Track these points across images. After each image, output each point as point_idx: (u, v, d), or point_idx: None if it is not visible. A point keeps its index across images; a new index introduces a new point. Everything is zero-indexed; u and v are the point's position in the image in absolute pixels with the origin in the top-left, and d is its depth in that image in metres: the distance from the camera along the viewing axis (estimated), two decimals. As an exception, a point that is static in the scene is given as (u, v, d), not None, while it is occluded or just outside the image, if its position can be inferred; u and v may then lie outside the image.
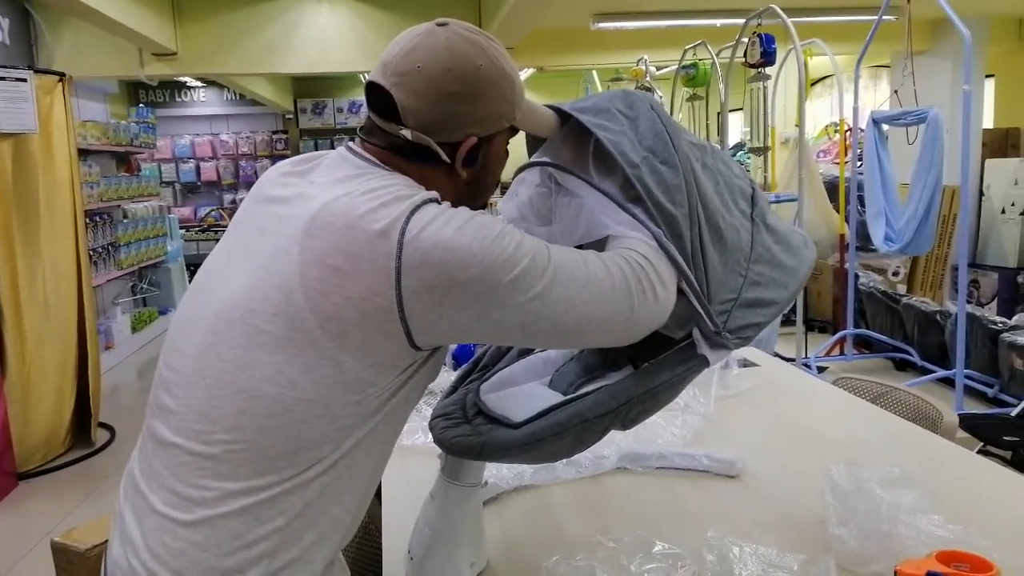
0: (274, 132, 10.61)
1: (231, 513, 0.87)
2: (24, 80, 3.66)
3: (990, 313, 4.37)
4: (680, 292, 1.02)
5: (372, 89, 0.95)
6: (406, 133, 0.93)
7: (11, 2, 5.10)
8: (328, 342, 0.85)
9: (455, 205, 0.91)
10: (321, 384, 0.86)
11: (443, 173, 0.97)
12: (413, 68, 0.92)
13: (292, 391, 0.86)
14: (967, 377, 4.04)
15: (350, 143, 0.99)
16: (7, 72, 3.62)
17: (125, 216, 6.07)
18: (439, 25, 0.95)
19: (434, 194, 0.90)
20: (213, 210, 10.32)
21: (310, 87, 10.38)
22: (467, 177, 0.98)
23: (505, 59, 0.97)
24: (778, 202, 4.93)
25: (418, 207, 0.86)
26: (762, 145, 5.16)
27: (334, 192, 0.89)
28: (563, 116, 1.09)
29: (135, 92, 9.64)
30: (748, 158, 6.97)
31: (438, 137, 0.94)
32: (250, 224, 0.97)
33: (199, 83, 9.88)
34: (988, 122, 7.18)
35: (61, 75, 4.06)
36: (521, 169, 1.16)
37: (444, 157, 0.94)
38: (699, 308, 1.02)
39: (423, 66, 0.92)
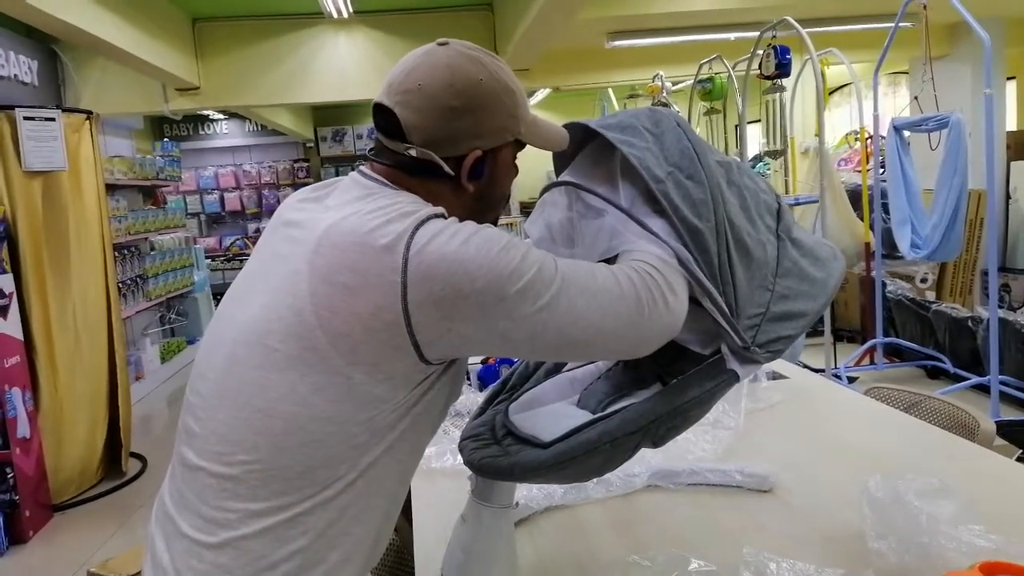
0: (296, 161, 10.76)
1: (253, 534, 0.88)
2: (53, 119, 3.75)
3: (1023, 317, 4.29)
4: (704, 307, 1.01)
5: (378, 110, 0.97)
6: (411, 150, 0.95)
7: (39, 44, 5.24)
8: (339, 359, 0.86)
9: (465, 220, 0.92)
10: (333, 402, 0.87)
11: (450, 188, 0.98)
12: (415, 86, 0.94)
13: (306, 410, 0.87)
14: (1002, 383, 3.96)
15: (361, 167, 1.01)
16: (36, 112, 3.71)
17: (152, 248, 6.17)
18: (440, 44, 0.98)
19: (440, 209, 0.91)
20: (238, 239, 10.46)
21: (330, 115, 10.54)
22: (474, 191, 0.99)
23: (506, 73, 0.98)
24: (798, 204, 4.89)
25: (423, 222, 0.87)
26: (779, 148, 5.11)
27: (343, 212, 0.91)
28: (589, 133, 1.10)
29: (159, 127, 9.84)
30: (767, 168, 6.94)
31: (442, 152, 0.95)
32: (268, 249, 1.00)
33: (221, 116, 10.07)
34: (1011, 124, 7.09)
35: (88, 113, 4.15)
36: (546, 189, 1.17)
37: (448, 171, 0.95)
38: (725, 325, 1.02)
39: (424, 84, 0.94)
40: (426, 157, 0.95)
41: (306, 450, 0.88)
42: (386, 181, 0.97)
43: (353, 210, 0.91)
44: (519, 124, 1.00)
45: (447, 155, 0.95)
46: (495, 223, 1.04)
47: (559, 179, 1.15)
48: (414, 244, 0.85)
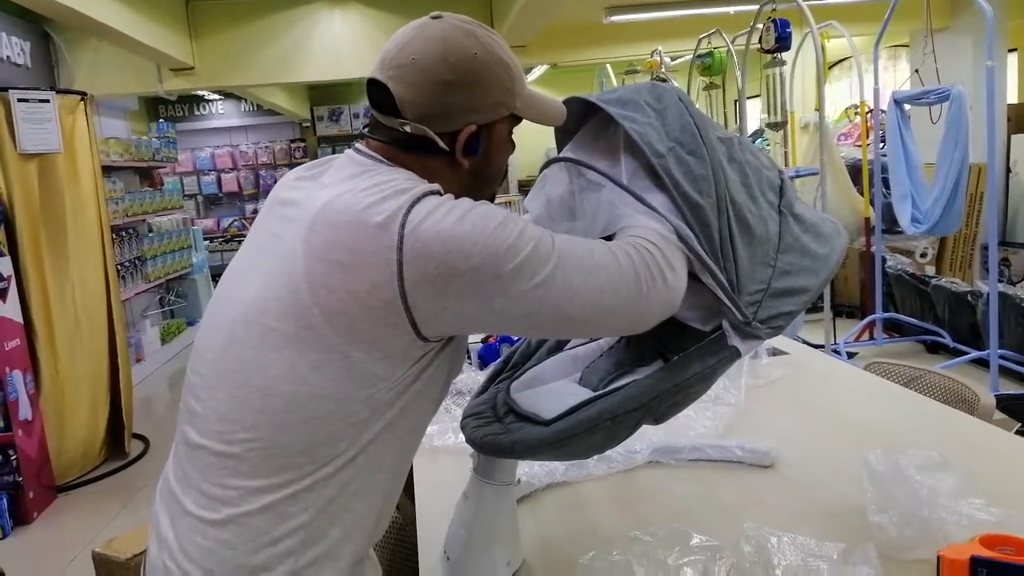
0: (292, 141, 10.70)
1: (255, 511, 0.89)
2: (47, 101, 3.72)
3: (1023, 291, 4.29)
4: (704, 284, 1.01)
5: (372, 85, 0.96)
6: (406, 126, 0.94)
7: (31, 26, 5.18)
8: (336, 337, 0.86)
9: (460, 197, 0.91)
10: (332, 379, 0.87)
11: (445, 164, 0.97)
12: (408, 60, 0.93)
13: (305, 387, 0.87)
14: (1001, 357, 3.97)
15: (357, 144, 1.00)
16: (30, 94, 3.68)
17: (150, 230, 6.15)
18: (434, 18, 0.97)
19: (435, 186, 0.91)
20: (235, 220, 10.44)
21: (326, 94, 10.46)
22: (469, 167, 0.98)
23: (501, 47, 0.97)
24: (798, 176, 4.85)
25: (418, 199, 0.86)
26: (780, 119, 5.06)
27: (338, 190, 0.90)
28: (590, 108, 1.09)
29: (155, 108, 9.77)
30: (767, 143, 6.91)
31: (437, 127, 0.94)
32: (264, 229, 0.99)
33: (217, 96, 9.99)
34: (1012, 97, 7.04)
35: (82, 94, 4.12)
36: (546, 165, 1.16)
37: (442, 145, 0.95)
38: (726, 300, 1.02)
39: (418, 58, 0.93)
40: (420, 133, 0.94)
41: (306, 427, 0.88)
42: (381, 158, 0.96)
43: (348, 187, 0.90)
44: (514, 98, 0.99)
45: (442, 130, 0.94)
46: (492, 200, 1.03)
47: (559, 155, 1.14)
48: (409, 222, 0.84)
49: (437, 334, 0.90)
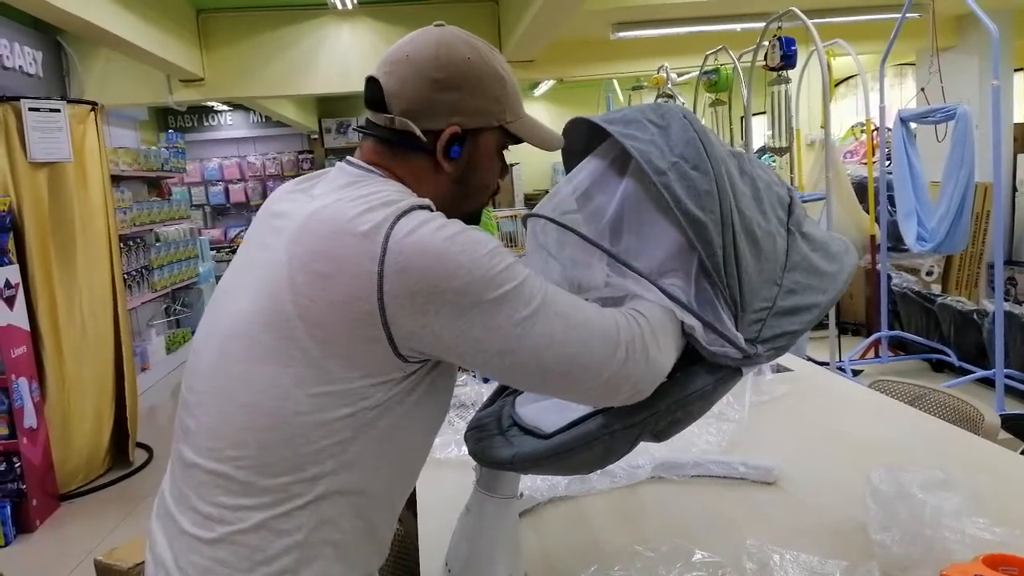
0: (300, 152, 10.76)
1: (248, 529, 0.88)
2: (58, 110, 3.75)
3: (1029, 310, 4.27)
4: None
5: (370, 83, 0.98)
6: (392, 120, 0.95)
7: (43, 36, 5.24)
8: (316, 349, 0.85)
9: (443, 204, 0.92)
10: (313, 395, 0.86)
11: (429, 167, 0.98)
12: (403, 57, 0.96)
13: (287, 403, 0.87)
14: (1007, 376, 3.95)
15: (348, 156, 1.01)
16: (41, 103, 3.72)
17: (157, 239, 6.18)
18: (437, 26, 0.99)
19: (425, 201, 0.91)
20: (242, 231, 10.47)
21: (334, 107, 10.52)
22: (453, 173, 0.98)
23: (498, 61, 0.99)
24: (804, 202, 4.85)
25: (406, 212, 0.86)
26: (783, 144, 5.06)
27: (326, 200, 0.91)
28: (595, 130, 1.09)
29: (164, 118, 9.84)
30: (773, 160, 6.92)
31: (420, 123, 0.95)
32: (255, 241, 1.00)
33: (226, 107, 10.06)
34: (1019, 116, 7.05)
35: (93, 104, 4.15)
36: (529, 216, 1.14)
37: (421, 137, 0.95)
38: (728, 346, 1.00)
39: (411, 55, 0.95)
40: (404, 127, 0.95)
41: (290, 444, 0.87)
42: (371, 168, 0.97)
43: (336, 198, 0.90)
44: (504, 111, 0.99)
45: (425, 127, 0.95)
46: (474, 217, 1.03)
47: (537, 211, 1.11)
48: (394, 234, 0.84)
49: (414, 354, 0.88)
